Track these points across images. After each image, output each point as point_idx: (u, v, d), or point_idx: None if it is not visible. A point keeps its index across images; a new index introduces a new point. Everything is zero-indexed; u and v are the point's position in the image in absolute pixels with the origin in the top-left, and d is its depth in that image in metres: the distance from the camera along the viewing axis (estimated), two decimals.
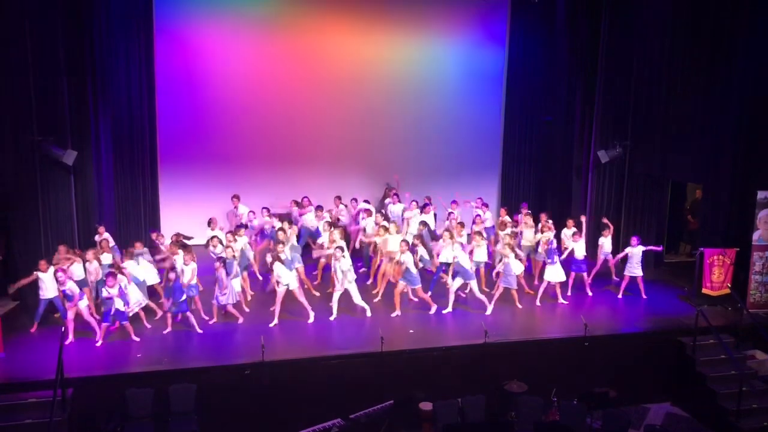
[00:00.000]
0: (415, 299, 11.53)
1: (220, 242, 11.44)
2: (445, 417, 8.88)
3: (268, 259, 10.80)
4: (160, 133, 14.59)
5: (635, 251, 11.86)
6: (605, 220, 12.78)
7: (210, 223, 12.36)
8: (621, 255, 12.30)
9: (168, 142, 14.77)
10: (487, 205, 14.12)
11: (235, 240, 11.38)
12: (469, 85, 16.51)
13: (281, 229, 11.65)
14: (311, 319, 10.69)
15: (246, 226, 12.67)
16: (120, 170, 13.96)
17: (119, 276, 10.00)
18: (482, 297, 11.29)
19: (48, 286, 9.98)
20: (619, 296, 12.16)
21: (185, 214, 14.44)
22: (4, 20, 10.53)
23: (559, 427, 8.87)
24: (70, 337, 9.75)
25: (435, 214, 13.79)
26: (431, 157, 16.43)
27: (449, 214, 13.52)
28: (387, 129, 16.10)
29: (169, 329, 10.27)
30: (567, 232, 12.53)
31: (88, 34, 12.16)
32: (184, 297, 10.21)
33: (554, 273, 11.63)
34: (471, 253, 11.68)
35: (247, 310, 11.08)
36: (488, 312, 11.18)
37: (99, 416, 8.57)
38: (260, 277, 12.62)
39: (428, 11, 15.72)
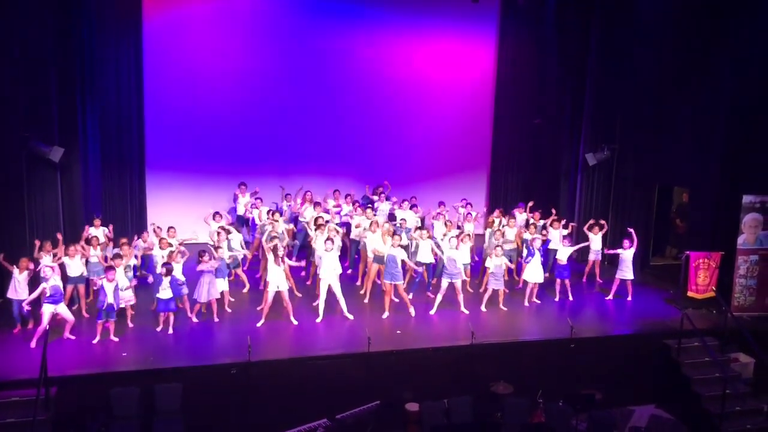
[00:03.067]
0: (396, 299, 11.38)
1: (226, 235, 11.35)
2: (432, 418, 8.90)
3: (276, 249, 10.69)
4: (148, 131, 14.48)
5: (626, 254, 11.92)
6: (601, 221, 12.83)
7: (215, 216, 12.14)
8: (612, 251, 12.30)
9: (156, 140, 14.66)
10: (471, 205, 14.10)
11: (224, 239, 11.24)
12: (458, 87, 16.54)
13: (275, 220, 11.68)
14: (294, 322, 10.64)
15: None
16: (107, 167, 13.86)
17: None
18: (462, 298, 11.32)
19: (24, 286, 9.83)
20: (609, 297, 12.21)
21: (172, 212, 14.32)
22: None
23: (545, 428, 8.95)
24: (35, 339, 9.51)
25: (422, 219, 13.77)
26: (420, 158, 16.46)
27: (437, 214, 13.52)
28: (376, 130, 16.13)
29: (161, 327, 10.19)
30: (554, 232, 12.61)
31: (77, 30, 12.07)
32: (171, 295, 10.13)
33: (532, 272, 11.69)
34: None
35: (229, 310, 11.01)
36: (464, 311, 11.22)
37: (83, 415, 8.49)
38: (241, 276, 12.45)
39: (418, 13, 15.73)
